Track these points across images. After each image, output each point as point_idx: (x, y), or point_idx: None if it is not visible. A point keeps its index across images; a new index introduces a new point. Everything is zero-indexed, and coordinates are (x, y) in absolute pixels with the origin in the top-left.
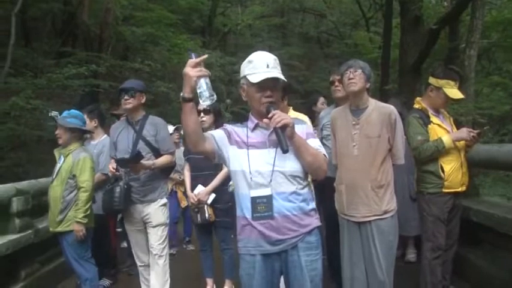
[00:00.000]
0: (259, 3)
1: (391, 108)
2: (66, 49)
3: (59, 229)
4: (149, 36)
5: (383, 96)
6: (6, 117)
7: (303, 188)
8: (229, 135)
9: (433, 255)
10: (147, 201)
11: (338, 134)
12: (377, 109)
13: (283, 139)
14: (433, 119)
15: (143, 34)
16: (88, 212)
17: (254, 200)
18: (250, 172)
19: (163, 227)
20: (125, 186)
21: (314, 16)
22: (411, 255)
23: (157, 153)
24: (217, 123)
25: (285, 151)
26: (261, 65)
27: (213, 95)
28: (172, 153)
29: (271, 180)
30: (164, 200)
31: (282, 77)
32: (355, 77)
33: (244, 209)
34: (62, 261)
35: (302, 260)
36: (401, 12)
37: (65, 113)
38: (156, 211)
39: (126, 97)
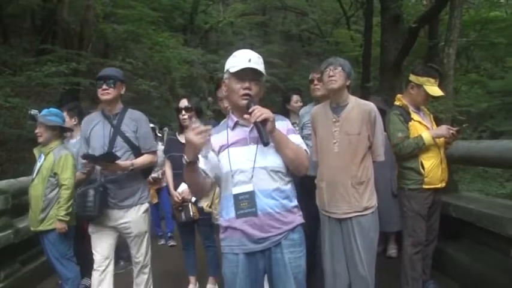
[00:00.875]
0: (240, 0)
1: (371, 106)
2: (46, 46)
3: (41, 228)
4: (130, 33)
5: (364, 94)
6: None
7: (285, 185)
8: (215, 151)
9: (414, 250)
10: (125, 207)
11: (318, 131)
12: (357, 106)
13: (264, 132)
14: (414, 116)
15: (124, 31)
16: (70, 210)
17: (237, 197)
18: (231, 170)
19: (146, 235)
20: (101, 189)
21: (295, 14)
22: (392, 251)
23: (137, 152)
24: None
25: (265, 144)
26: (243, 59)
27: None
28: (154, 153)
29: (252, 177)
30: (146, 206)
31: (262, 70)
32: (335, 74)
33: (227, 210)
34: (43, 260)
35: (286, 258)
36: (381, 10)
37: (45, 111)
38: (138, 219)
39: (104, 86)
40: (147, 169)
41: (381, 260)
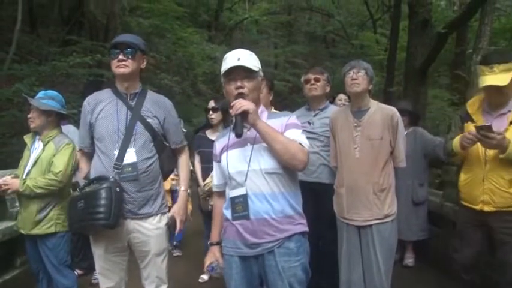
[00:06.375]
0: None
1: (393, 110)
2: (72, 37)
3: (37, 231)
4: (155, 28)
5: (387, 98)
6: (9, 103)
7: (283, 188)
8: (216, 160)
9: (465, 276)
10: (143, 216)
11: (338, 136)
12: (379, 110)
13: (240, 124)
14: (476, 116)
15: (149, 26)
16: (40, 191)
17: (233, 200)
18: (229, 173)
19: (166, 252)
20: (117, 189)
21: (321, 15)
22: (409, 260)
23: (159, 144)
24: (225, 120)
25: (237, 135)
26: (232, 59)
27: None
28: (186, 147)
29: (246, 179)
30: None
31: (251, 66)
32: (358, 77)
33: (227, 210)
34: None
35: (279, 266)
36: (409, 14)
37: (41, 93)
38: (159, 234)
39: (121, 57)
40: (169, 169)
41: (397, 268)
